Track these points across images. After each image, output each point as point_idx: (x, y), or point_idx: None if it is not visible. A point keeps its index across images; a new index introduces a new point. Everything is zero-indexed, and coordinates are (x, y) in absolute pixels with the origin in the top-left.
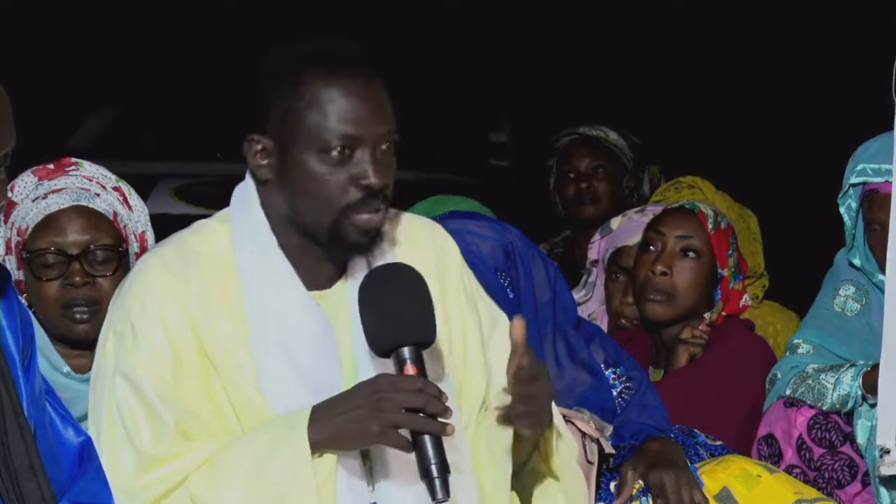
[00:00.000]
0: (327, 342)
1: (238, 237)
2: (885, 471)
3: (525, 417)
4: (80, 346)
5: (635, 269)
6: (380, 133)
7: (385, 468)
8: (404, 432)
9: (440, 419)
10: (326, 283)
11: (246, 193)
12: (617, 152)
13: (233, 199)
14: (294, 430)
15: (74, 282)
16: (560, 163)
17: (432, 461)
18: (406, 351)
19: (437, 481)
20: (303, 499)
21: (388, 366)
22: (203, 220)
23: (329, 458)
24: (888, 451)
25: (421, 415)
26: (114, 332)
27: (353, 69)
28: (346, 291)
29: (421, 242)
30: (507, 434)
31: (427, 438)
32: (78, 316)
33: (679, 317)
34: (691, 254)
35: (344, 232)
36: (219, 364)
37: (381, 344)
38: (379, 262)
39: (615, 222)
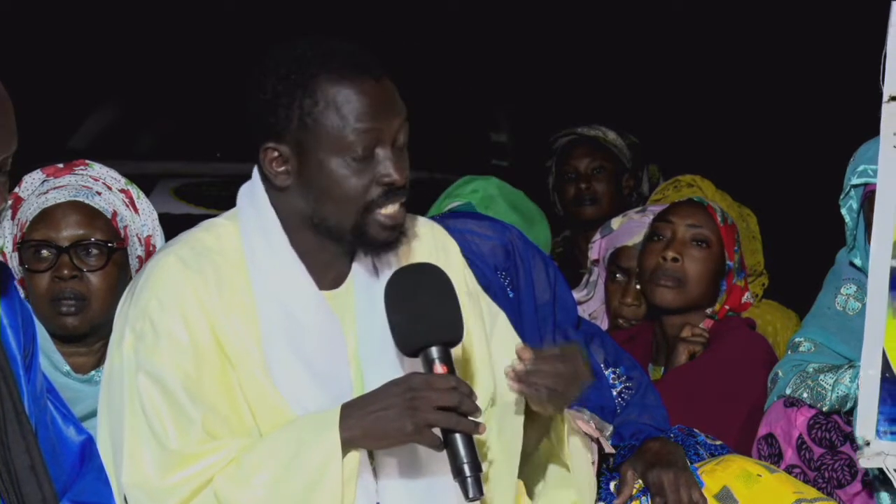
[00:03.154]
0: (337, 341)
1: (247, 236)
2: (865, 463)
3: (554, 397)
4: (68, 339)
5: (643, 259)
6: (397, 125)
7: (388, 469)
8: (436, 431)
9: (471, 418)
10: (334, 284)
11: (254, 192)
12: (616, 152)
13: (239, 198)
14: (325, 429)
15: (63, 274)
16: (559, 163)
17: (465, 460)
18: (435, 350)
19: (469, 480)
20: (329, 497)
21: (394, 367)
22: (212, 219)
23: (354, 457)
24: (868, 443)
25: (454, 413)
26: (131, 331)
27: (363, 68)
28: (352, 292)
29: (423, 241)
30: (517, 428)
31: (458, 437)
32: (64, 309)
33: (687, 305)
34: (702, 244)
35: (370, 230)
36: (234, 359)
37: (409, 343)
38: (384, 262)
39: (616, 222)
